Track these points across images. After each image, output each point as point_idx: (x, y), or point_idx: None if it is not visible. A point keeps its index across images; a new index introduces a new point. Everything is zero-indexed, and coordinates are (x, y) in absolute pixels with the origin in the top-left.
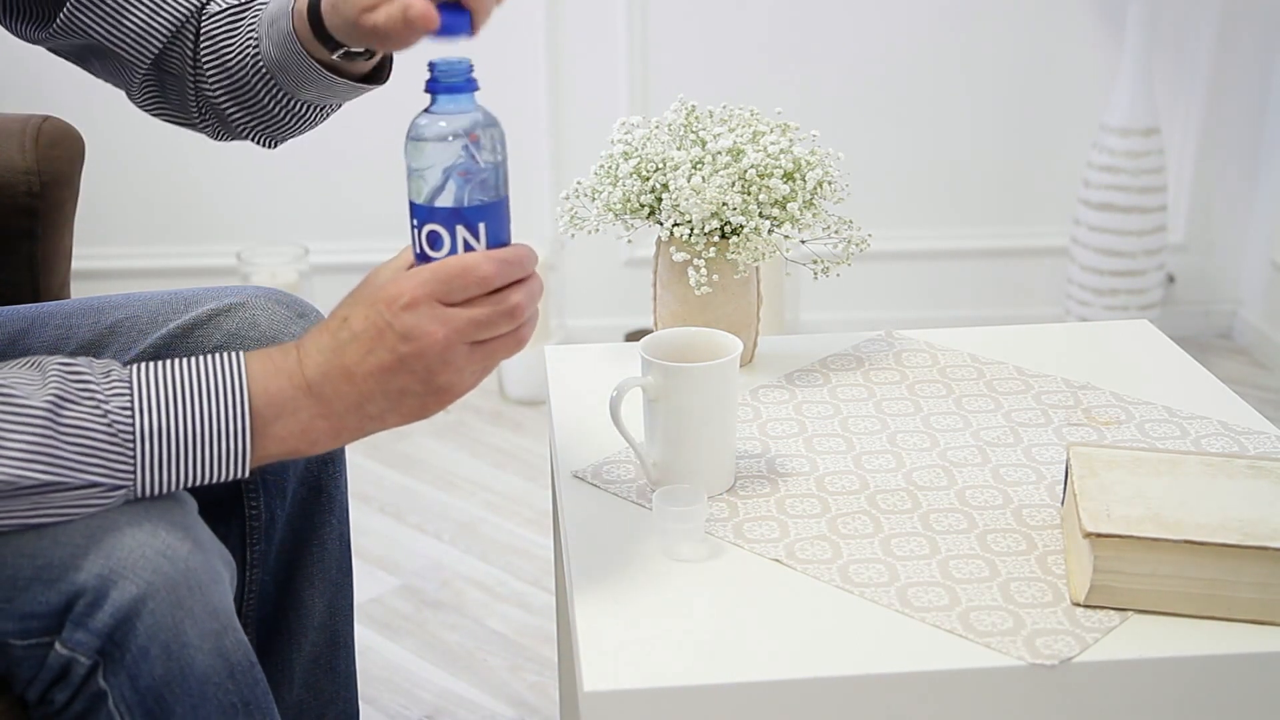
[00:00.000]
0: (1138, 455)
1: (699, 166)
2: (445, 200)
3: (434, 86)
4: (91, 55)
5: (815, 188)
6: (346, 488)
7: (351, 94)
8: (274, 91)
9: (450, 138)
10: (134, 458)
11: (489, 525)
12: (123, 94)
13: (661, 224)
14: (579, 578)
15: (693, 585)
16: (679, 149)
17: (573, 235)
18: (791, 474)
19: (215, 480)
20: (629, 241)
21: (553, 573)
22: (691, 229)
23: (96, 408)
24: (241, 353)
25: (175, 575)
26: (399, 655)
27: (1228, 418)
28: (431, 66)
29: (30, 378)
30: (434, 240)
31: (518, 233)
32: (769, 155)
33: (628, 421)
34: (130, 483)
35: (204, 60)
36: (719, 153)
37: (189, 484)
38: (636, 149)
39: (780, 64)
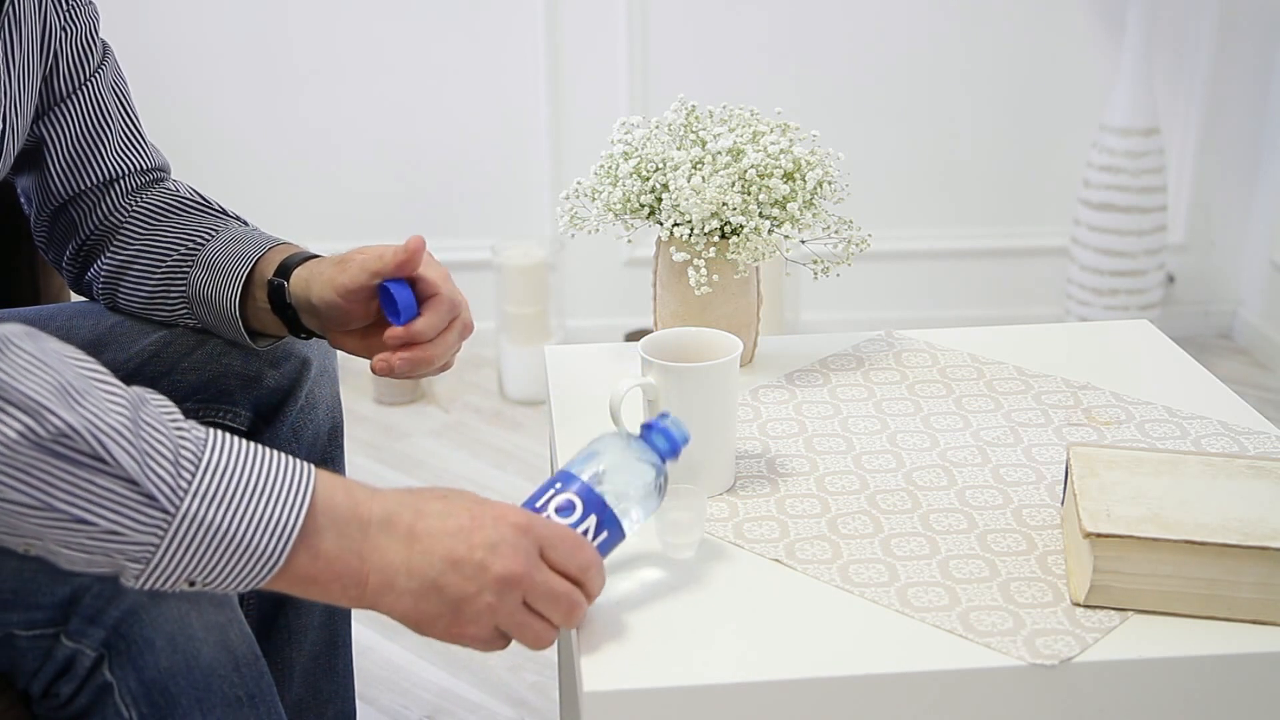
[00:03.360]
0: (1138, 455)
1: (699, 166)
2: (604, 494)
3: (668, 437)
4: (24, 165)
5: (815, 188)
6: None
7: (240, 344)
8: (171, 297)
9: (647, 470)
10: (191, 481)
11: None
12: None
13: (661, 224)
14: None
15: (693, 585)
16: (679, 149)
17: (573, 235)
18: (791, 474)
19: (248, 564)
20: (629, 241)
21: None
22: (691, 229)
23: (174, 420)
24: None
25: None
26: (399, 655)
27: (1228, 418)
28: (666, 417)
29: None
30: (565, 508)
31: (518, 232)
32: (769, 155)
33: (628, 421)
34: (174, 508)
35: (128, 232)
36: (719, 153)
37: (223, 549)
38: (636, 149)
39: (780, 64)
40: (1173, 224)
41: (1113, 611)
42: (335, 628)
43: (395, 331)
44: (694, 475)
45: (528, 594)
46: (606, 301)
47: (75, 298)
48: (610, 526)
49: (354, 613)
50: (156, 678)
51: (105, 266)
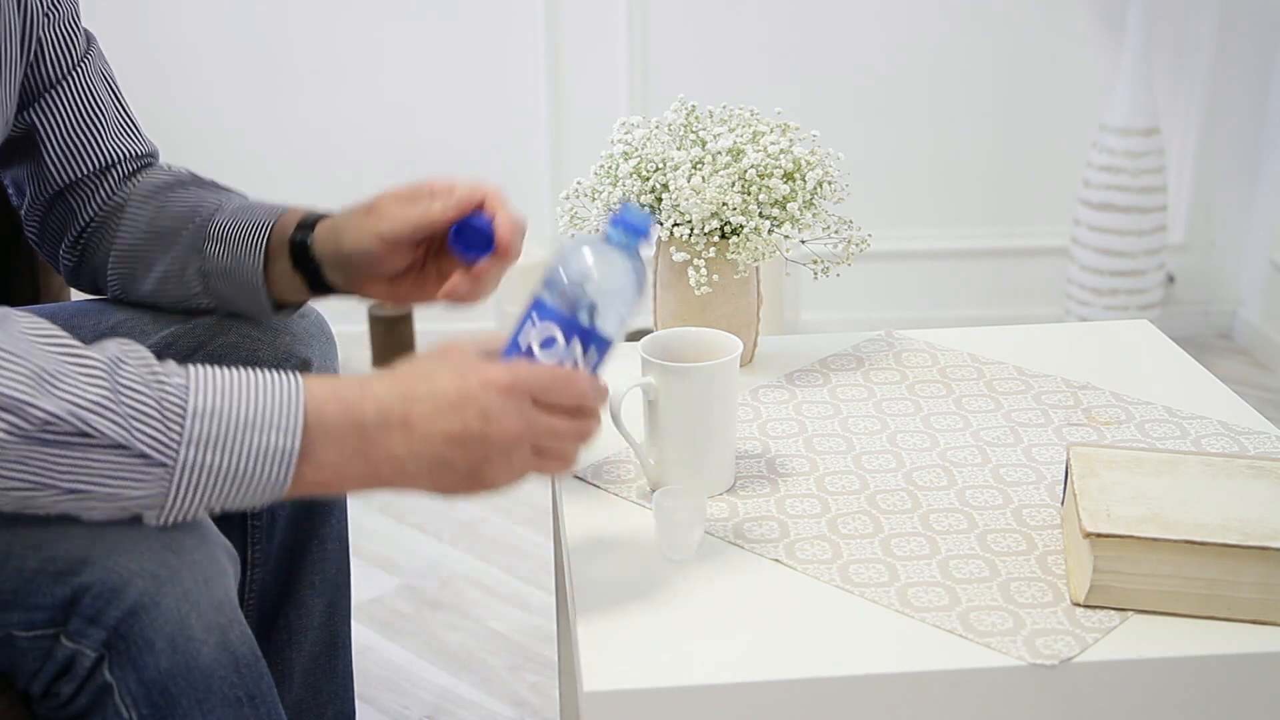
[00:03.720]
0: (1138, 455)
1: (699, 166)
2: (581, 314)
3: (625, 224)
4: (14, 153)
5: (815, 188)
6: None
7: (260, 315)
8: (187, 277)
9: (619, 265)
10: (181, 431)
11: (489, 525)
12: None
13: (661, 224)
14: (579, 577)
15: (693, 585)
16: (679, 149)
17: (573, 235)
18: (791, 474)
19: (258, 491)
20: None
21: (552, 572)
22: (691, 229)
23: (152, 374)
24: (300, 373)
25: (181, 569)
26: (399, 655)
27: (1228, 418)
28: (624, 207)
29: (91, 345)
30: (548, 342)
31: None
32: (769, 155)
33: (628, 421)
34: (171, 460)
35: (131, 216)
36: (719, 153)
37: (228, 482)
38: (636, 149)
39: (780, 64)
40: (1173, 224)
41: (1113, 611)
42: (335, 628)
43: (483, 266)
44: (694, 475)
45: (534, 443)
46: None
47: (75, 296)
48: (596, 341)
49: (354, 613)
50: (156, 678)
51: (114, 253)
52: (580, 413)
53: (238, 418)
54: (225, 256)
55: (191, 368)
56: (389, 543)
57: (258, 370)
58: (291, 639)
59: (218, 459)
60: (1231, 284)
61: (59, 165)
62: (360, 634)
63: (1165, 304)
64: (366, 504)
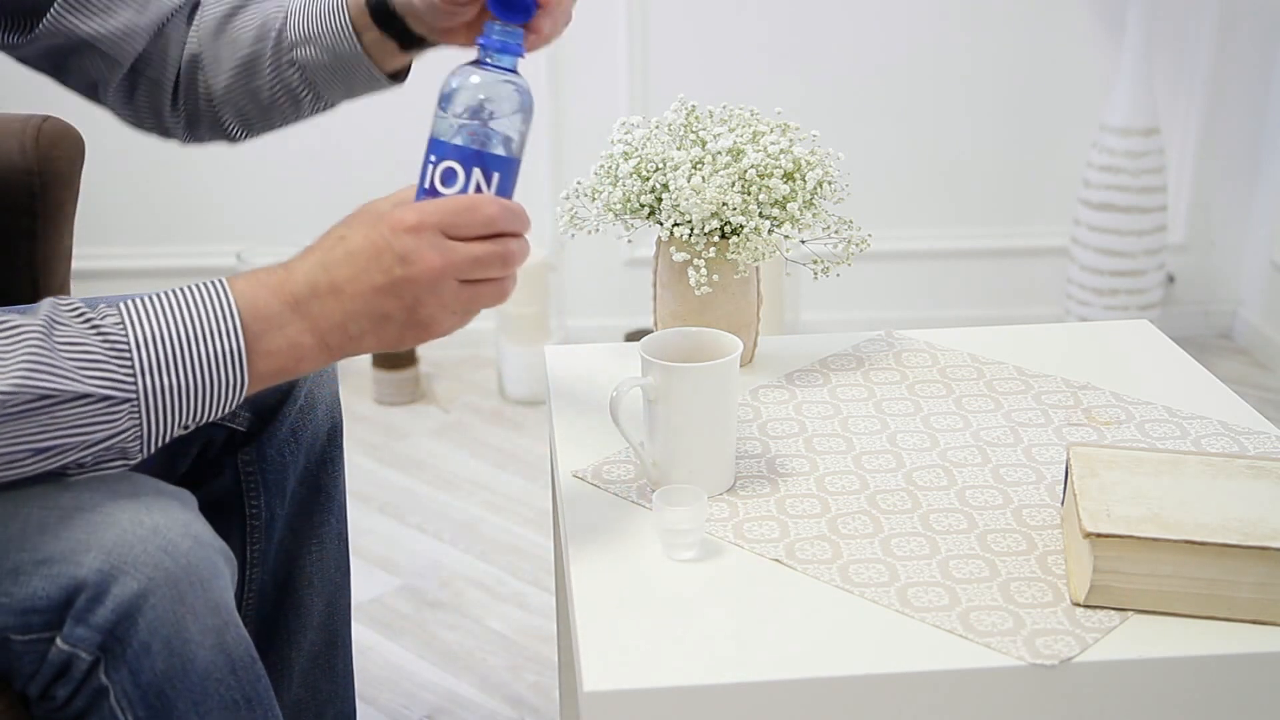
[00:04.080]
0: (1138, 455)
1: (699, 166)
2: (471, 142)
3: (489, 41)
4: (70, 57)
5: (815, 188)
6: (345, 487)
7: (374, 89)
8: (287, 71)
9: (496, 86)
10: (131, 364)
11: (489, 525)
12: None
13: (661, 224)
14: (579, 578)
15: (693, 585)
16: (679, 149)
17: (573, 235)
18: (791, 474)
19: (221, 397)
20: (629, 241)
21: (553, 573)
22: (691, 229)
23: (88, 324)
24: (224, 276)
25: (176, 570)
26: (399, 655)
27: (1228, 418)
28: (487, 26)
29: (23, 310)
30: (448, 177)
31: None
32: (769, 155)
33: (628, 421)
34: (133, 393)
35: (211, 47)
36: (719, 153)
37: (193, 400)
38: (636, 149)
39: (780, 64)
40: (1173, 224)
41: (1113, 611)
42: (335, 628)
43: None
44: (694, 475)
45: (458, 275)
46: (606, 301)
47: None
48: (497, 166)
49: (354, 613)
50: (153, 681)
51: (216, 102)
52: (498, 238)
53: (179, 335)
54: (318, 53)
55: (122, 304)
56: (389, 543)
57: (183, 288)
58: (291, 638)
59: (173, 379)
60: (1231, 284)
61: (114, 46)
62: (360, 634)
63: (1165, 304)
64: (366, 504)
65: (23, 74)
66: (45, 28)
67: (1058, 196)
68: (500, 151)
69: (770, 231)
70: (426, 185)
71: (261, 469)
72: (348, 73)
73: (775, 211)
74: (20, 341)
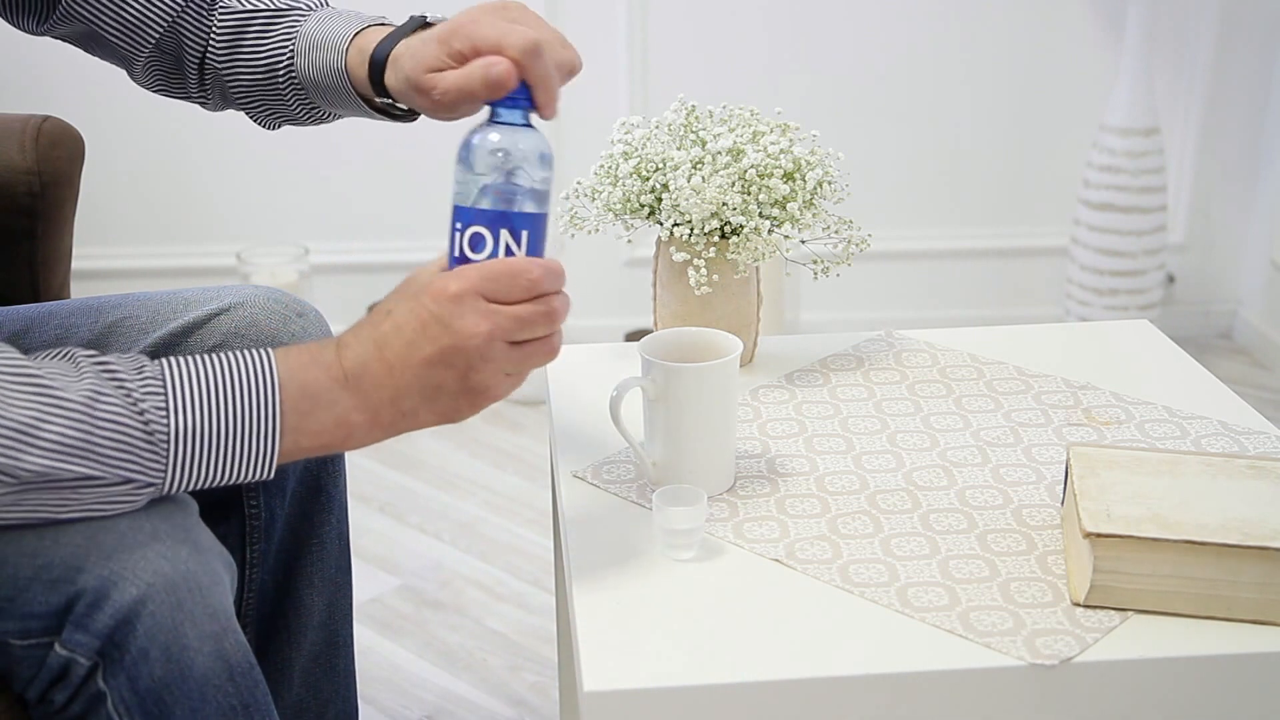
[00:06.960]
0: (1138, 455)
1: (699, 166)
2: (496, 203)
3: (511, 103)
4: (92, 40)
5: (815, 188)
6: (345, 487)
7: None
8: (303, 99)
9: (512, 141)
10: (166, 458)
11: (489, 525)
12: (122, 95)
13: (661, 224)
14: (579, 578)
15: (693, 585)
16: (679, 149)
17: (573, 235)
18: (791, 474)
19: (240, 479)
20: (629, 241)
21: (553, 573)
22: (691, 229)
23: (133, 405)
24: (273, 350)
25: (175, 577)
26: (399, 655)
27: (1228, 418)
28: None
29: (65, 369)
30: (476, 242)
31: None
32: (769, 155)
33: (628, 421)
34: (160, 481)
35: (226, 58)
36: (719, 153)
37: (214, 483)
38: (636, 149)
39: (780, 64)
40: (1173, 224)
41: (1113, 611)
42: (335, 628)
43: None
44: (694, 475)
45: (505, 338)
46: (606, 301)
47: (75, 295)
48: (524, 224)
49: (353, 613)
50: (151, 687)
51: (237, 99)
52: (539, 297)
53: (219, 427)
54: (326, 99)
55: (169, 377)
56: (389, 543)
57: (234, 365)
58: (291, 638)
59: (203, 470)
60: (1231, 284)
61: (125, 36)
62: (360, 634)
63: (1165, 304)
64: (366, 504)
65: (23, 74)
66: (61, 13)
67: (1058, 196)
68: (526, 208)
69: (770, 231)
70: (456, 253)
71: None
72: (362, 112)
73: (775, 211)
74: (61, 415)
